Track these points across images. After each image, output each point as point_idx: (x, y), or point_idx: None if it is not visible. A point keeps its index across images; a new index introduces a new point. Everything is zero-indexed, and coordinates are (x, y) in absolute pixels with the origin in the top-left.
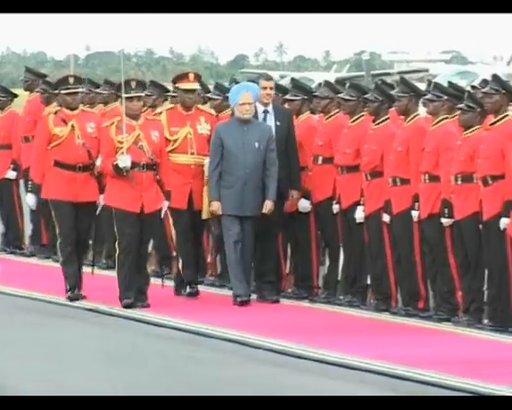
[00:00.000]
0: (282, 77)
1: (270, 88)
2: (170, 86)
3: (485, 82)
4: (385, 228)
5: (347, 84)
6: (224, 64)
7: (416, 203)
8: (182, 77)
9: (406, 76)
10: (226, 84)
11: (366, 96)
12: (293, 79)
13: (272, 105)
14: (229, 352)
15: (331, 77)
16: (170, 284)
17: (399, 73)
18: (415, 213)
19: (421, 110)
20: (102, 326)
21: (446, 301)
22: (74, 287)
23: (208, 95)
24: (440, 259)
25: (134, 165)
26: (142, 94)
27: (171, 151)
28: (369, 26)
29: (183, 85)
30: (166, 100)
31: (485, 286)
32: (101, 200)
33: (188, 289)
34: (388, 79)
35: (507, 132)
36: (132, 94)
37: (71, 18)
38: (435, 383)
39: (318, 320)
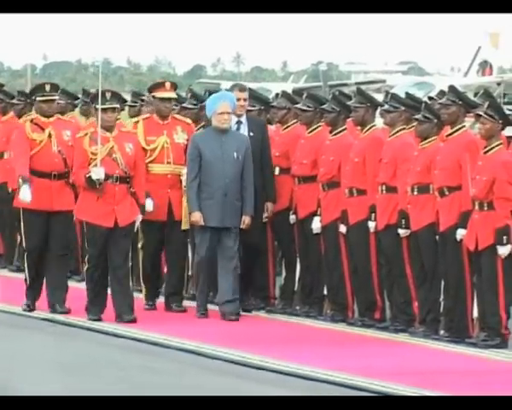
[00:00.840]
0: None
1: (244, 99)
2: (127, 96)
3: (442, 93)
4: (341, 239)
5: (304, 95)
6: (181, 74)
7: (373, 214)
8: (158, 86)
9: (363, 87)
10: (183, 94)
11: (323, 106)
12: (250, 90)
13: (245, 116)
14: (186, 362)
15: (288, 87)
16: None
17: (356, 83)
18: (371, 224)
19: (379, 121)
20: (57, 336)
21: (403, 312)
22: (32, 298)
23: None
24: (397, 269)
25: (107, 177)
26: (117, 105)
27: (149, 162)
28: (327, 37)
29: (160, 94)
30: (123, 110)
31: (442, 297)
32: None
33: (174, 306)
34: (345, 90)
35: (463, 144)
36: (107, 105)
37: (28, 27)
38: (393, 395)
39: (275, 331)
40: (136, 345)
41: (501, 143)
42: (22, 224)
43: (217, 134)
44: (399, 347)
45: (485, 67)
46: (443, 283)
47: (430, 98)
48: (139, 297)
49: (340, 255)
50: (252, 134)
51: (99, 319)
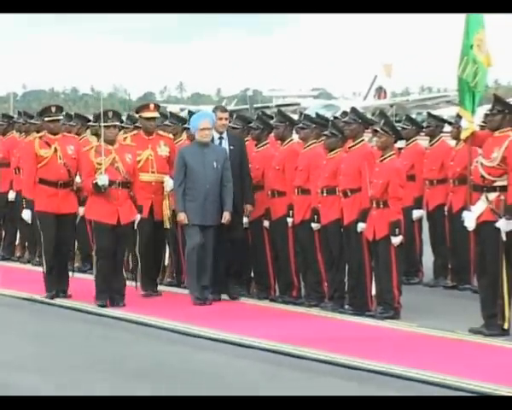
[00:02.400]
0: (182, 110)
1: (225, 119)
2: (90, 117)
3: (345, 113)
4: (265, 231)
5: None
6: (135, 99)
7: (291, 211)
8: (144, 107)
9: (282, 108)
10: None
11: (250, 124)
12: (189, 112)
13: (226, 132)
14: (140, 332)
15: None
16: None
17: (277, 106)
18: (289, 220)
19: (295, 136)
20: (37, 313)
21: (315, 291)
22: (53, 289)
23: (122, 124)
24: (310, 256)
25: (111, 183)
26: (118, 123)
27: None
28: (253, 68)
29: (146, 114)
30: (88, 128)
31: (346, 278)
32: (80, 211)
33: (151, 291)
34: (268, 111)
35: (362, 154)
36: (109, 123)
37: (9, 61)
38: (310, 358)
39: (212, 308)
40: (96, 318)
41: (393, 154)
42: (38, 223)
43: (199, 147)
44: (313, 319)
45: (380, 92)
46: (347, 266)
47: (335, 118)
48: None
49: (264, 245)
50: (232, 147)
51: (105, 305)
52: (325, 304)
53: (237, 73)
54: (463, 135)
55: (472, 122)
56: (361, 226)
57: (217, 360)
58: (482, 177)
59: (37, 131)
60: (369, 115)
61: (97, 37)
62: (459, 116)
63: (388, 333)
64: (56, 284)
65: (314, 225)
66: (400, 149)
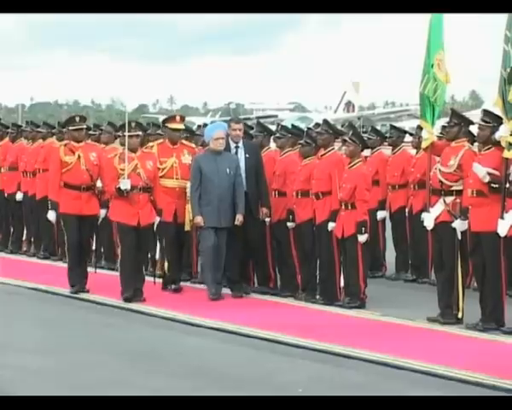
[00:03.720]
0: None
1: (239, 130)
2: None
3: (317, 125)
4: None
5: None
6: (130, 111)
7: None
8: (171, 119)
9: (262, 120)
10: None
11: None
12: (135, 122)
13: (242, 141)
14: (136, 320)
15: (208, 121)
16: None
17: (257, 117)
18: (267, 219)
19: (272, 145)
20: (41, 301)
21: (290, 283)
22: (76, 283)
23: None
24: (286, 251)
25: (133, 188)
26: (140, 132)
27: (161, 177)
28: (236, 84)
29: (172, 125)
30: (117, 138)
31: (318, 272)
32: (101, 213)
33: (173, 286)
34: (249, 123)
35: (333, 161)
36: (132, 132)
37: (19, 76)
38: (286, 343)
39: (200, 296)
40: (96, 307)
41: (360, 161)
42: (62, 223)
43: (214, 155)
44: (288, 308)
45: (349, 106)
46: (318, 261)
47: (309, 128)
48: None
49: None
50: (248, 156)
51: (131, 299)
52: (299, 295)
53: (222, 88)
54: (424, 144)
55: (432, 133)
56: (331, 225)
57: (203, 344)
58: (440, 182)
59: (59, 139)
60: (339, 127)
61: (88, 54)
62: (420, 128)
63: (355, 321)
64: (79, 278)
65: (289, 224)
66: (366, 156)
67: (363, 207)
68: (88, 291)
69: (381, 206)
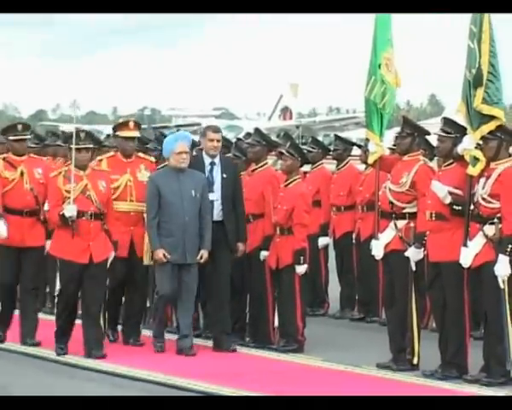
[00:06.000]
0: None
1: (217, 140)
2: None
3: (248, 134)
4: None
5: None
6: (26, 117)
7: None
8: (122, 125)
9: (182, 129)
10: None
11: (147, 145)
12: (84, 131)
13: (219, 157)
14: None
15: None
16: None
17: (176, 126)
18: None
19: None
20: None
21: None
22: (3, 332)
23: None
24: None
25: (82, 214)
26: (91, 145)
27: (113, 199)
28: (151, 86)
29: (124, 133)
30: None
31: (248, 308)
32: (48, 245)
33: (131, 341)
34: (167, 132)
35: (267, 177)
36: (81, 145)
37: None
38: (213, 394)
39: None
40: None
41: (299, 178)
42: None
43: (174, 173)
44: (208, 352)
45: (285, 112)
46: (248, 296)
47: (238, 139)
48: None
49: None
50: (225, 176)
51: (65, 353)
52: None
53: (134, 91)
54: (371, 159)
55: (380, 145)
56: (263, 255)
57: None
58: (391, 203)
59: None
60: (273, 137)
61: None
62: (367, 139)
63: (291, 367)
64: (25, 327)
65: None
66: (306, 172)
67: (302, 233)
68: (39, 344)
69: (324, 231)
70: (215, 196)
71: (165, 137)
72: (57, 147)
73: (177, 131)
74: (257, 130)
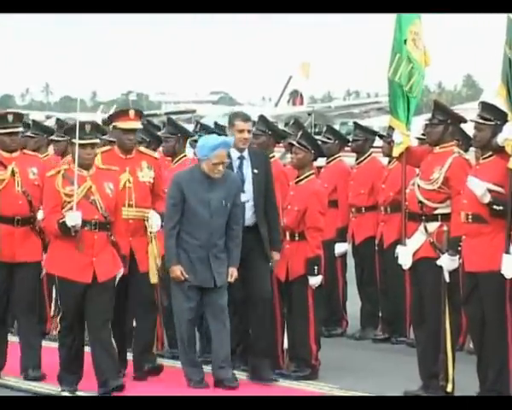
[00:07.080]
0: (48, 117)
1: (248, 131)
2: None
3: (252, 123)
4: None
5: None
6: None
7: None
8: (120, 114)
9: (174, 117)
10: None
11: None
12: (58, 120)
13: (248, 150)
14: None
15: (98, 117)
16: None
17: (167, 113)
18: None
19: (190, 151)
20: None
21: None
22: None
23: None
24: None
25: (84, 223)
26: (98, 141)
27: None
28: (137, 67)
29: (122, 124)
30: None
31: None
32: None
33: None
34: (155, 120)
35: (274, 173)
36: (86, 140)
37: None
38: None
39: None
40: None
41: (312, 173)
42: None
43: (205, 177)
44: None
45: (295, 96)
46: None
47: None
48: None
49: None
50: (256, 171)
51: (74, 390)
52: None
53: (117, 74)
54: (396, 151)
55: (407, 135)
56: (271, 264)
57: None
58: (420, 203)
59: None
60: (281, 126)
61: None
62: (392, 128)
63: (303, 396)
64: (26, 356)
65: None
66: (320, 167)
67: (316, 238)
68: (44, 377)
69: (341, 236)
70: (246, 196)
71: (154, 126)
72: (26, 138)
73: (168, 119)
74: (262, 117)
